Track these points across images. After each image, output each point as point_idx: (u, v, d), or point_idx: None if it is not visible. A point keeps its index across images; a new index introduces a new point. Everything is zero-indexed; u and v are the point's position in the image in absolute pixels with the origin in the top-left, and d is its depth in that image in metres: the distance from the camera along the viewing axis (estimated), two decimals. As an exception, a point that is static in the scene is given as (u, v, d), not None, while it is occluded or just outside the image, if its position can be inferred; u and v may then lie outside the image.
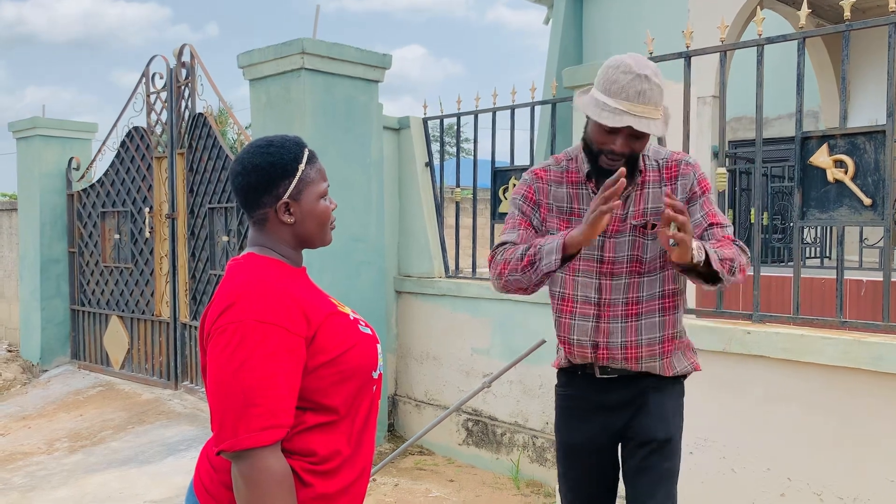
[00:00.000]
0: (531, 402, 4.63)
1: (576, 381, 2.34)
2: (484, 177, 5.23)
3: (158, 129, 6.53)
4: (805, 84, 3.40)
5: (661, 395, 2.28)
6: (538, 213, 2.28)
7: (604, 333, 2.23)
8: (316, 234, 1.62)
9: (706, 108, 6.80)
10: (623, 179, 1.94)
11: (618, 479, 2.38)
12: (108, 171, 7.02)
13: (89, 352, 7.32)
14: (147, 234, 6.57)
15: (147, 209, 6.56)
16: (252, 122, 5.16)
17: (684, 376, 2.35)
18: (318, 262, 4.65)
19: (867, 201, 3.17)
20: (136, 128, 6.71)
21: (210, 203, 5.86)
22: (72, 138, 7.57)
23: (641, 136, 2.10)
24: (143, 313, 6.68)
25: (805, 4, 3.42)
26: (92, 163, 7.41)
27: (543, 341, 3.11)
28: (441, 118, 5.45)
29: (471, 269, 5.46)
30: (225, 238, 5.76)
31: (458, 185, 6.20)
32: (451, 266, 5.49)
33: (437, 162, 5.62)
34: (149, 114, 6.58)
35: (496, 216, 5.07)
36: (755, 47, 3.51)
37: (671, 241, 1.95)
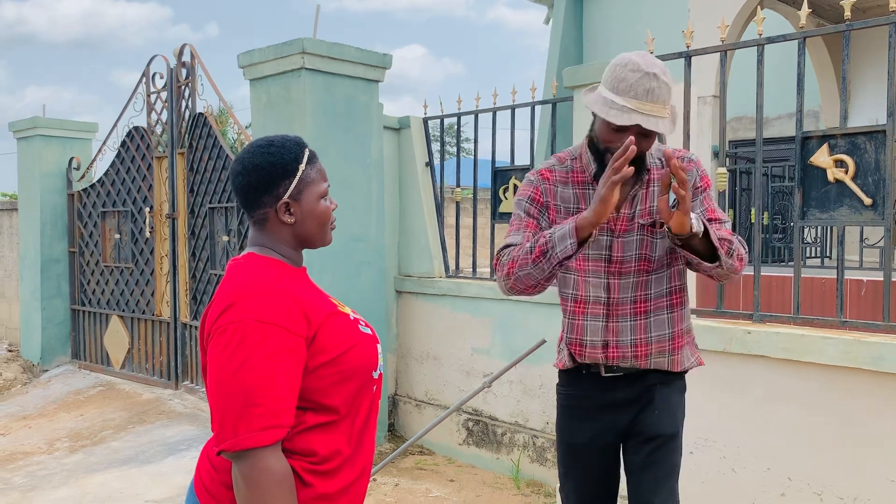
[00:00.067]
0: (531, 401, 4.63)
1: (580, 381, 2.32)
2: (484, 176, 5.23)
3: (159, 129, 6.53)
4: (805, 84, 3.40)
5: (667, 389, 2.29)
6: (546, 215, 2.25)
7: (613, 332, 2.23)
8: (316, 234, 1.62)
9: (706, 107, 6.81)
10: (633, 147, 1.92)
11: (619, 477, 2.38)
12: (108, 170, 7.03)
13: (90, 351, 7.32)
14: (147, 234, 6.57)
15: (147, 209, 6.56)
16: (252, 122, 5.16)
17: (685, 371, 2.35)
18: (318, 262, 4.65)
19: (867, 201, 3.17)
20: (136, 127, 6.71)
21: (210, 203, 5.86)
22: (72, 138, 7.57)
23: (649, 135, 2.09)
24: (144, 313, 6.68)
25: (805, 4, 3.42)
26: (92, 163, 7.41)
27: (543, 341, 3.11)
28: (441, 118, 5.45)
29: (471, 269, 5.46)
30: (225, 238, 5.76)
31: (458, 185, 6.20)
32: (452, 266, 5.49)
33: (437, 162, 5.62)
34: (149, 113, 6.59)
35: (496, 216, 5.07)
36: (755, 47, 3.51)
37: (671, 202, 1.94)
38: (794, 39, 3.43)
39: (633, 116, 2.02)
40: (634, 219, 2.19)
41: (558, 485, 2.49)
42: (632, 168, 1.95)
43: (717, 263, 2.10)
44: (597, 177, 2.18)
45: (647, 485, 2.26)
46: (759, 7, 4.69)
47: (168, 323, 6.42)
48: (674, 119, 2.11)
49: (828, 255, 7.54)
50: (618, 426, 2.30)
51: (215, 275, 5.84)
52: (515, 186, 4.94)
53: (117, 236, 6.95)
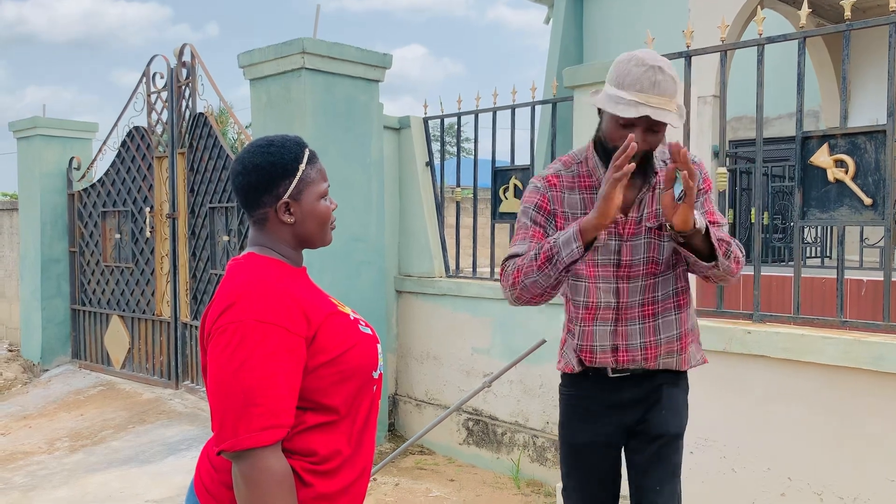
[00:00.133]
0: (532, 401, 4.63)
1: (585, 382, 2.31)
2: (484, 176, 5.22)
3: (159, 129, 6.53)
4: (805, 83, 3.40)
5: (674, 389, 2.30)
6: (553, 222, 2.22)
7: (622, 336, 2.22)
8: (316, 233, 1.62)
9: (706, 107, 6.81)
10: (634, 144, 1.90)
11: (620, 477, 2.38)
12: (108, 170, 7.03)
13: (90, 351, 7.32)
14: (148, 234, 6.57)
15: (148, 209, 6.56)
16: (252, 122, 5.16)
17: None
18: (318, 262, 4.65)
19: (868, 201, 3.17)
20: (136, 127, 6.71)
21: (211, 203, 5.86)
22: (72, 138, 7.57)
23: (658, 130, 2.07)
24: (144, 313, 6.68)
25: (805, 4, 3.42)
26: (93, 162, 7.41)
27: (543, 341, 3.10)
28: (441, 118, 5.45)
29: (471, 269, 5.46)
30: (225, 238, 5.76)
31: (458, 185, 6.21)
32: (452, 266, 5.49)
33: (437, 161, 5.62)
34: (149, 113, 6.59)
35: (497, 216, 5.07)
36: (756, 47, 3.51)
37: (677, 195, 1.92)
38: (795, 39, 3.43)
39: (641, 109, 2.00)
40: (642, 222, 2.18)
41: (560, 486, 2.49)
42: (633, 164, 1.92)
43: (713, 263, 2.10)
44: None
45: (651, 484, 2.26)
46: (759, 7, 4.69)
47: (168, 323, 6.42)
48: (681, 114, 2.09)
49: (828, 254, 7.54)
50: (623, 425, 2.30)
51: (216, 274, 5.84)
52: (516, 186, 4.94)
53: (118, 236, 6.95)
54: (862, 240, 6.58)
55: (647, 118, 2.02)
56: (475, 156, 5.33)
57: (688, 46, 3.68)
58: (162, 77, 6.44)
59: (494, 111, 5.04)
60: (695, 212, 2.00)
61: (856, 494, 3.04)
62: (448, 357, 5.18)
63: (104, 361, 7.14)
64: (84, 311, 7.38)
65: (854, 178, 3.21)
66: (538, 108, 4.92)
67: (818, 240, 7.72)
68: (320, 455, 1.51)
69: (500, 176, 5.05)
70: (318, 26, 5.08)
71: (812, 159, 3.32)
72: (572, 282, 2.26)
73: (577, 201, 2.21)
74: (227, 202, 5.70)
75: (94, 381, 6.83)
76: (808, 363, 3.15)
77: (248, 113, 5.48)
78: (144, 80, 6.58)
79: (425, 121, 5.58)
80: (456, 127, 5.75)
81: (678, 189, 1.97)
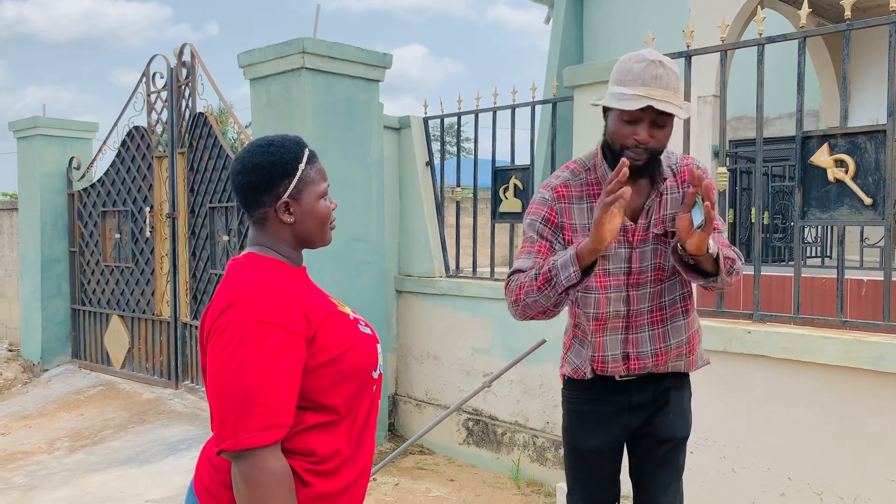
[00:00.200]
0: (532, 401, 4.63)
1: (592, 387, 2.29)
2: (484, 176, 5.22)
3: (159, 129, 6.53)
4: (806, 83, 3.40)
5: (680, 392, 2.32)
6: (561, 236, 2.18)
7: (633, 344, 2.22)
8: (316, 233, 1.62)
9: (707, 107, 6.81)
10: (626, 169, 1.86)
11: (620, 477, 2.39)
12: (108, 170, 7.03)
13: (90, 351, 7.32)
14: (148, 234, 6.57)
15: (148, 208, 6.56)
16: (252, 122, 5.16)
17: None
18: (318, 262, 4.65)
19: (868, 201, 3.17)
20: (136, 127, 6.71)
21: (211, 202, 5.86)
22: (72, 138, 7.57)
23: (663, 125, 2.06)
24: (144, 313, 6.68)
25: (806, 4, 3.42)
26: (92, 162, 7.41)
27: (543, 341, 3.10)
28: (441, 118, 5.45)
29: (471, 269, 5.46)
30: (225, 237, 5.76)
31: (458, 185, 6.21)
32: (452, 265, 5.49)
33: (437, 161, 5.62)
34: (149, 113, 6.59)
35: (497, 216, 5.07)
36: (756, 46, 3.51)
37: (697, 223, 1.89)
38: (795, 39, 3.43)
39: (644, 101, 1.99)
40: (650, 228, 2.18)
41: (560, 486, 2.49)
42: (629, 190, 1.87)
43: (712, 279, 2.10)
44: None
45: (657, 486, 2.28)
46: (759, 7, 4.69)
47: (168, 322, 6.42)
48: (685, 107, 2.08)
49: (828, 254, 7.54)
50: (630, 428, 2.30)
51: (215, 274, 5.83)
52: (516, 186, 4.94)
53: (117, 236, 6.95)
54: (862, 239, 6.58)
55: (651, 112, 2.02)
56: (475, 156, 5.33)
57: (688, 46, 3.67)
58: (162, 77, 6.43)
59: (494, 111, 5.04)
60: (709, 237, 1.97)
61: (856, 494, 3.04)
62: (448, 357, 5.18)
63: (104, 361, 7.14)
64: (84, 311, 7.38)
65: (854, 178, 3.21)
66: (538, 107, 4.92)
67: (818, 240, 7.73)
68: (320, 455, 1.51)
69: (501, 176, 5.05)
70: (318, 26, 5.08)
71: (812, 159, 3.32)
72: (581, 294, 2.23)
73: (586, 210, 2.18)
74: (227, 202, 5.70)
75: (94, 381, 6.83)
76: (809, 363, 3.14)
77: (248, 113, 5.48)
78: (144, 79, 6.58)
79: (425, 121, 5.58)
80: (456, 127, 5.75)
81: (697, 216, 1.93)
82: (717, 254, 2.03)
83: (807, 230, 7.35)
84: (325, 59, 4.74)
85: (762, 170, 4.28)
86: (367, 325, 1.65)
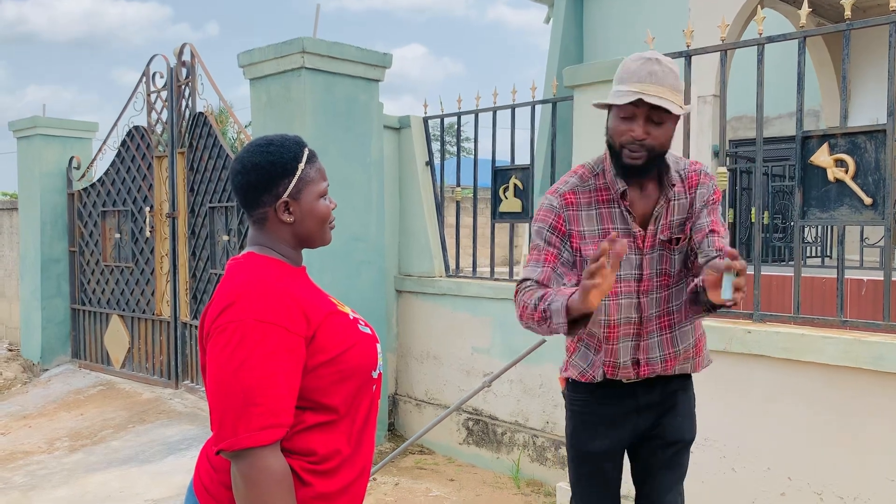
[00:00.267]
0: (531, 401, 4.63)
1: (599, 390, 2.29)
2: (484, 176, 5.22)
3: (159, 129, 6.53)
4: (806, 83, 3.39)
5: (686, 395, 2.33)
6: (569, 243, 2.17)
7: (643, 350, 2.22)
8: (315, 233, 1.62)
9: (707, 107, 6.81)
10: (605, 246, 1.75)
11: (621, 478, 2.39)
12: (108, 170, 7.02)
13: (90, 351, 7.32)
14: (147, 234, 6.57)
15: (148, 208, 6.56)
16: (252, 122, 5.16)
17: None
18: (318, 262, 4.65)
19: (868, 200, 3.17)
20: (136, 127, 6.71)
21: (211, 202, 5.86)
22: (72, 137, 7.57)
23: (660, 123, 2.05)
24: (144, 312, 6.68)
25: (805, 3, 3.42)
26: (92, 162, 7.41)
27: (543, 341, 3.10)
28: (441, 117, 5.45)
29: (471, 269, 5.46)
30: (225, 237, 5.76)
31: (458, 185, 6.20)
32: (452, 265, 5.49)
33: (437, 161, 5.62)
34: (149, 113, 6.58)
35: (497, 215, 5.07)
36: (756, 46, 3.50)
37: (725, 295, 1.79)
38: (795, 39, 3.43)
39: (634, 95, 2.00)
40: (657, 234, 2.18)
41: (560, 486, 2.49)
42: (609, 270, 1.77)
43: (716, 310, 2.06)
44: (624, 195, 2.14)
45: (663, 486, 2.30)
46: (759, 6, 4.69)
47: (168, 322, 6.42)
48: (682, 105, 2.07)
49: (828, 254, 7.54)
50: (638, 430, 2.30)
51: (215, 274, 5.83)
52: (516, 186, 4.94)
53: (117, 236, 6.95)
54: (862, 239, 6.58)
55: (645, 108, 2.02)
56: (475, 155, 5.33)
57: (688, 46, 3.67)
58: (162, 76, 6.43)
59: (494, 111, 5.04)
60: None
61: (856, 494, 3.04)
62: (448, 357, 5.18)
63: (104, 361, 7.14)
64: (84, 311, 7.38)
65: (854, 178, 3.21)
66: (538, 107, 4.92)
67: (818, 239, 7.72)
68: (319, 455, 1.50)
69: (500, 175, 5.05)
70: (318, 26, 5.08)
71: (812, 159, 3.32)
72: None
73: (595, 216, 2.18)
74: (226, 202, 5.70)
75: (93, 381, 6.83)
76: (809, 363, 3.14)
77: (247, 112, 5.48)
78: (144, 79, 6.58)
79: (425, 120, 5.58)
80: (456, 126, 5.76)
81: (727, 289, 1.80)
82: None
83: (807, 230, 7.35)
84: (324, 59, 4.74)
85: (762, 169, 4.29)
86: (366, 325, 1.65)
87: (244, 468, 1.41)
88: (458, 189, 6.43)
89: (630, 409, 2.27)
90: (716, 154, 5.61)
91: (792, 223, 6.34)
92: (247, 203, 1.58)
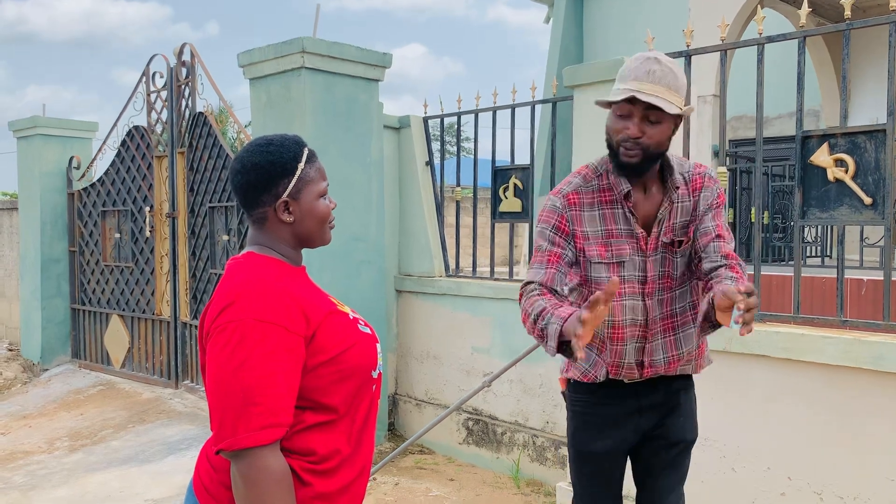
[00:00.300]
0: (531, 401, 4.63)
1: (601, 391, 2.28)
2: (484, 176, 5.22)
3: (159, 128, 6.53)
4: (805, 83, 3.40)
5: (688, 395, 2.33)
6: (572, 244, 2.16)
7: (648, 353, 2.22)
8: (315, 233, 1.62)
9: (706, 106, 6.81)
10: (596, 297, 1.69)
11: (623, 478, 2.39)
12: (108, 170, 7.02)
13: (90, 351, 7.32)
14: (147, 233, 6.57)
15: (147, 208, 6.56)
16: (252, 121, 5.16)
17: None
18: (318, 262, 4.65)
19: (868, 200, 3.17)
20: (136, 127, 6.71)
21: (210, 202, 5.86)
22: (72, 137, 7.57)
23: (656, 122, 2.04)
24: (144, 312, 6.68)
25: (805, 3, 3.42)
26: (92, 162, 7.41)
27: (544, 340, 3.10)
28: (441, 117, 5.45)
29: (471, 269, 5.46)
30: (225, 237, 5.76)
31: (458, 185, 6.20)
32: (452, 265, 5.49)
33: (437, 161, 5.62)
34: (149, 113, 6.58)
35: (496, 215, 5.07)
36: (756, 46, 3.50)
37: (733, 325, 1.74)
38: (795, 38, 3.43)
39: (629, 93, 1.99)
40: (660, 237, 2.18)
41: (560, 486, 2.48)
42: (605, 313, 1.71)
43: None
44: (628, 196, 2.14)
45: (665, 487, 2.30)
46: (759, 6, 4.69)
47: (168, 322, 6.42)
48: (681, 106, 2.06)
49: (828, 254, 7.54)
50: (640, 430, 2.30)
51: (215, 274, 5.83)
52: (515, 185, 4.94)
53: (117, 235, 6.95)
54: (862, 239, 6.58)
55: (642, 107, 2.01)
56: (475, 155, 5.33)
57: (688, 46, 3.67)
58: (162, 76, 6.43)
59: (494, 111, 5.04)
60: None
61: (856, 494, 3.04)
62: (448, 356, 5.18)
63: (104, 361, 7.14)
64: (84, 311, 7.38)
65: (854, 178, 3.20)
66: (538, 107, 4.92)
67: (818, 239, 7.73)
68: (319, 454, 1.50)
69: (500, 175, 5.05)
70: (318, 25, 5.08)
71: (812, 158, 3.32)
72: None
73: (598, 217, 2.17)
74: (226, 201, 5.70)
75: (93, 381, 6.83)
76: (809, 363, 3.14)
77: (247, 112, 5.47)
78: (144, 79, 6.57)
79: (425, 120, 5.58)
80: (456, 126, 5.75)
81: (737, 324, 1.76)
82: None
83: (807, 230, 7.35)
84: (324, 59, 4.74)
85: (762, 169, 4.28)
86: (366, 325, 1.65)
87: (244, 468, 1.41)
88: (458, 189, 6.43)
89: (632, 410, 2.27)
90: (716, 154, 5.61)
91: (792, 223, 6.34)
92: (246, 203, 1.58)
